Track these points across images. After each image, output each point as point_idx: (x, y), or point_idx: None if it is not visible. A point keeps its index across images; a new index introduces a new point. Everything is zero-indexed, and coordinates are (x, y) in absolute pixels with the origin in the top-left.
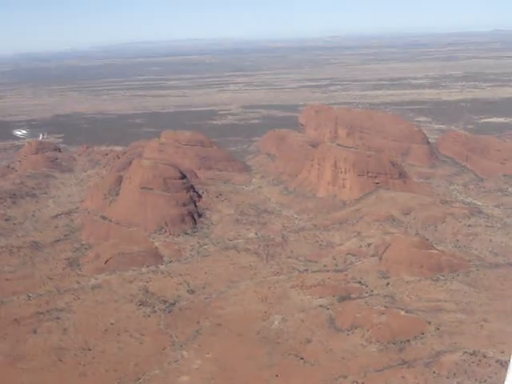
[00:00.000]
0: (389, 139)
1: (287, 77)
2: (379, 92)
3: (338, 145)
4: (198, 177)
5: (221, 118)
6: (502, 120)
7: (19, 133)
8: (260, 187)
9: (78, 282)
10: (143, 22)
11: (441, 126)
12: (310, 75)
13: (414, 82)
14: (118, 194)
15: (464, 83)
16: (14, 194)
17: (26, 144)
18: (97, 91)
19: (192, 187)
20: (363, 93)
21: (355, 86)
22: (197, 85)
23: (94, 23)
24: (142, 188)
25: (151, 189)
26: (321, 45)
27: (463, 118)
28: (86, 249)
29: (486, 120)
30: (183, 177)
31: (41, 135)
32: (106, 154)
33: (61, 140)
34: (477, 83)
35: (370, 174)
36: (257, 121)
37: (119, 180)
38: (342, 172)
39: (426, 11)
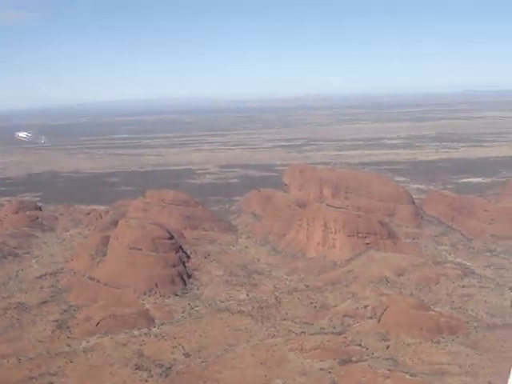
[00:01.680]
0: (374, 199)
1: (261, 137)
2: (355, 152)
3: (328, 205)
4: (184, 237)
5: (199, 177)
6: (480, 180)
7: (22, 135)
8: (247, 247)
9: (68, 345)
10: (115, 81)
11: (419, 185)
12: (283, 135)
13: (388, 142)
14: (105, 255)
15: (438, 143)
16: None
17: (7, 203)
18: (71, 149)
19: (180, 247)
20: (338, 153)
21: (330, 146)
22: (172, 144)
23: (61, 81)
24: (130, 248)
25: (140, 249)
26: (291, 105)
27: (441, 178)
28: (74, 310)
29: (464, 180)
30: (171, 237)
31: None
32: (88, 214)
33: (38, 199)
34: (451, 143)
35: (360, 235)
36: (235, 180)
37: (105, 240)
38: (332, 232)
39: (392, 73)
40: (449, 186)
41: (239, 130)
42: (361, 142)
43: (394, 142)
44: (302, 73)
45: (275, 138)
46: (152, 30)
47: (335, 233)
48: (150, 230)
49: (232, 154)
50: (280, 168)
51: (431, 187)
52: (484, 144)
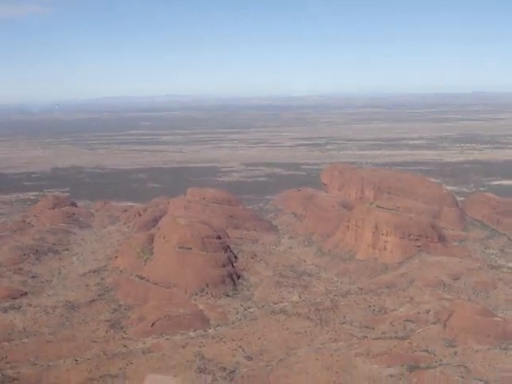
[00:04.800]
0: (418, 201)
1: (281, 135)
2: (378, 152)
3: (378, 206)
4: (228, 236)
5: (225, 175)
6: (511, 182)
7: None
8: (291, 248)
9: (125, 346)
10: (122, 77)
11: (452, 187)
12: (303, 134)
13: (410, 142)
14: (151, 253)
15: (462, 145)
16: (37, 251)
17: (42, 198)
18: (91, 145)
19: (228, 247)
20: (362, 152)
21: (352, 145)
22: (192, 140)
23: (71, 78)
24: (179, 247)
25: (189, 248)
26: (306, 103)
27: (472, 180)
28: (125, 310)
29: (496, 182)
30: (219, 236)
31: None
32: (125, 211)
33: (67, 194)
34: (474, 145)
35: (411, 237)
36: (263, 178)
37: (150, 238)
38: (383, 234)
39: (403, 73)
40: (482, 189)
41: (258, 128)
42: (382, 142)
43: (416, 142)
44: (313, 72)
45: (296, 136)
46: (162, 27)
47: (386, 235)
48: (199, 229)
49: (255, 152)
50: (306, 167)
51: (464, 189)
52: (508, 146)
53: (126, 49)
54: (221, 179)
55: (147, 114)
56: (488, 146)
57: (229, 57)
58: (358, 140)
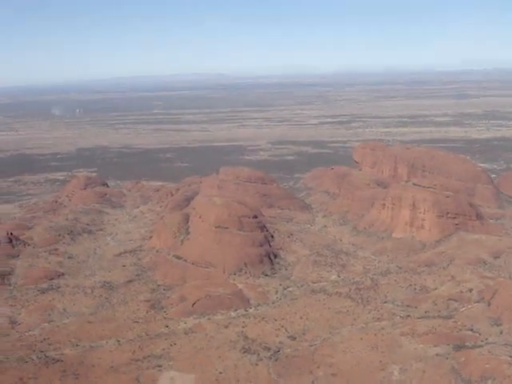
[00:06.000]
0: (452, 179)
1: (304, 113)
2: (404, 129)
3: (415, 184)
4: (263, 215)
5: (252, 153)
6: None
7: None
8: (325, 227)
9: (166, 326)
10: (128, 58)
11: (483, 164)
12: (326, 111)
13: (435, 119)
14: (187, 233)
15: (487, 121)
16: (71, 231)
17: (73, 179)
18: (113, 125)
19: (265, 226)
20: (387, 130)
21: (376, 122)
22: (214, 119)
23: (80, 57)
24: (216, 227)
25: (226, 228)
26: (320, 81)
27: (502, 157)
28: (164, 290)
29: None
30: (255, 215)
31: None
32: (157, 190)
33: (95, 175)
34: (501, 121)
35: (449, 215)
36: (291, 157)
37: (185, 218)
38: (420, 212)
39: (416, 49)
40: None
41: (278, 106)
42: (407, 119)
43: (441, 119)
44: (323, 49)
45: (319, 114)
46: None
47: (424, 213)
48: (236, 209)
49: (280, 131)
50: (333, 145)
51: (495, 166)
52: None
53: (128, 29)
54: (248, 158)
55: (158, 93)
56: None
57: (232, 35)
58: (382, 117)
